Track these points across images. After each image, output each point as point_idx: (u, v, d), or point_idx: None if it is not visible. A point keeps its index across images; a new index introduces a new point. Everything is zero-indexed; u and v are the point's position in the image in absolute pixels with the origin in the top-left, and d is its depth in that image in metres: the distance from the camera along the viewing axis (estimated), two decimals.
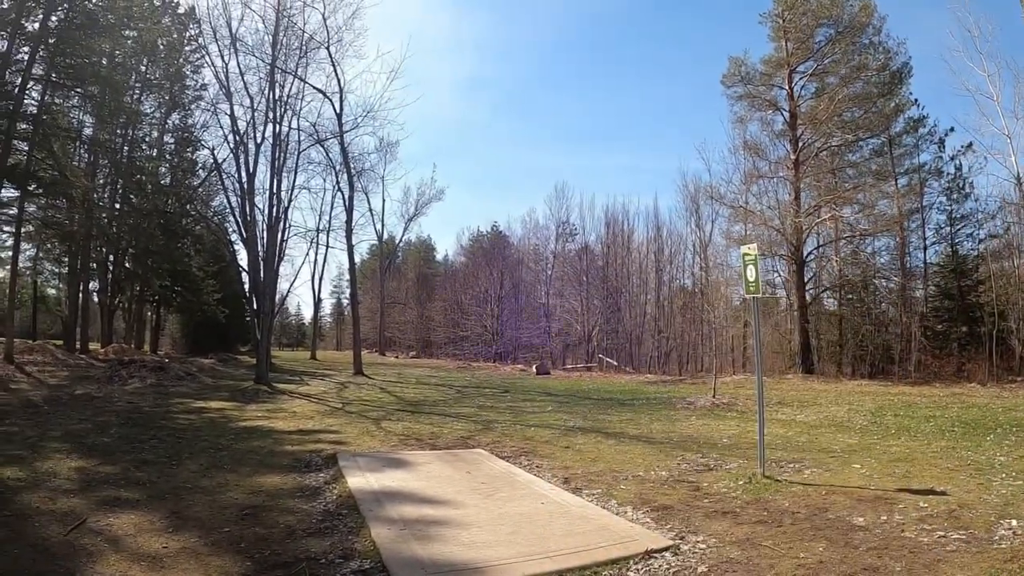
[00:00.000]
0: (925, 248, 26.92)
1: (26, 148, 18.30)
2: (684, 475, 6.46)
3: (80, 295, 26.28)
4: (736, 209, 28.02)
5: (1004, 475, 5.96)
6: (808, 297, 26.05)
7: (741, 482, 5.94)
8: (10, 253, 22.57)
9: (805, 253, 25.85)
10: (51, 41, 17.44)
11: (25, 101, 17.68)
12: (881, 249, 27.69)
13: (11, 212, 21.54)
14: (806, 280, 26.15)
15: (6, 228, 24.41)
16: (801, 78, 26.10)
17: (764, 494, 5.49)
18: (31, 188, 18.93)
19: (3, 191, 18.77)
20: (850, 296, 27.34)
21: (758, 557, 3.89)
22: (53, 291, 36.35)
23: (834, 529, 4.41)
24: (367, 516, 4.61)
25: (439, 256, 70.46)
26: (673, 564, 3.79)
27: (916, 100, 26.89)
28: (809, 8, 25.28)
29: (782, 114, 26.64)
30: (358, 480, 5.75)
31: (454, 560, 3.70)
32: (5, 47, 16.54)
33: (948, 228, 25.61)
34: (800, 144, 25.62)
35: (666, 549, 4.02)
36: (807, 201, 25.96)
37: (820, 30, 25.67)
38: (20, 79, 17.10)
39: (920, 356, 22.70)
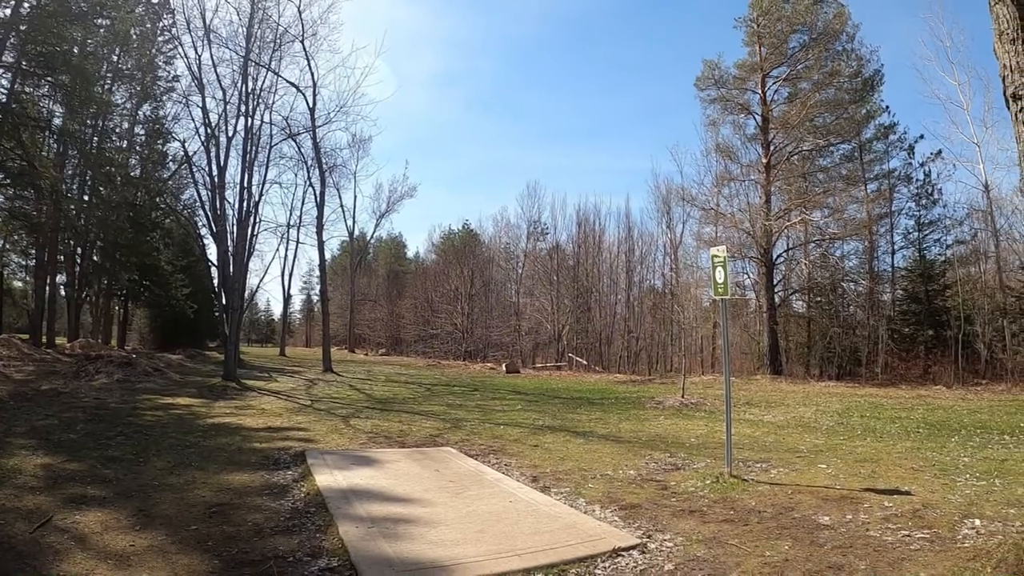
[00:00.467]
0: (893, 252, 27.53)
1: None
2: (652, 474, 6.52)
3: (47, 288, 25.85)
4: (707, 211, 28.32)
5: (968, 476, 6.10)
6: (777, 299, 26.40)
7: (708, 481, 6.01)
8: None
9: (775, 256, 26.19)
10: (22, 28, 17.11)
11: None
12: (850, 253, 28.29)
13: None
14: (775, 282, 26.47)
15: None
16: (774, 83, 26.41)
17: (731, 493, 5.57)
18: None
19: None
20: (819, 299, 27.80)
21: (724, 555, 3.95)
22: (19, 284, 35.60)
23: (800, 528, 4.49)
24: (335, 514, 4.60)
25: (410, 253, 70.27)
26: (640, 562, 3.84)
27: (887, 107, 27.55)
28: (784, 14, 25.59)
29: (754, 118, 26.93)
30: (326, 478, 5.73)
31: (421, 558, 3.71)
32: None
33: (916, 233, 26.16)
34: (772, 148, 25.93)
35: (633, 547, 4.06)
36: (778, 204, 26.29)
37: (794, 36, 26.04)
38: None
39: (887, 358, 23.15)
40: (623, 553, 3.95)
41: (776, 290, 26.55)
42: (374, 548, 3.86)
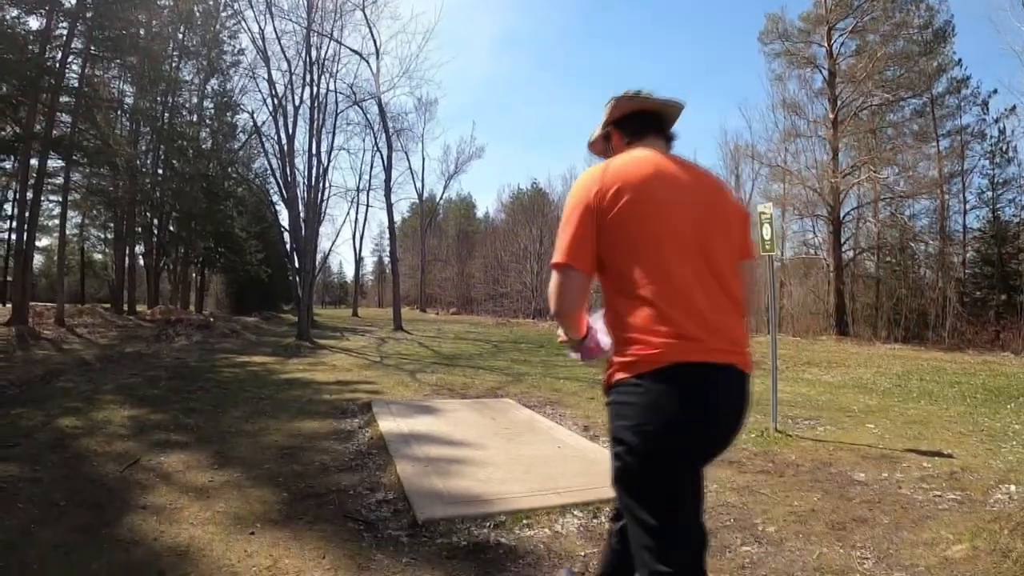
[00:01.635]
0: (965, 213, 26.42)
1: (70, 120, 18.90)
2: None
3: (126, 259, 27.20)
4: (774, 168, 27.73)
5: (1015, 442, 6.06)
6: (845, 259, 25.83)
7: (753, 435, 6.14)
8: (58, 221, 23.48)
9: (842, 214, 25.54)
10: (88, 15, 17.84)
11: (67, 75, 18.19)
12: (920, 212, 27.18)
13: (57, 181, 22.34)
14: (843, 241, 25.88)
15: (53, 197, 25.36)
16: (840, 35, 25.49)
17: (773, 447, 5.71)
18: (76, 158, 19.56)
19: (49, 162, 19.39)
20: (888, 259, 27.01)
21: (753, 503, 4.13)
22: (100, 256, 37.54)
23: (833, 482, 4.62)
24: (394, 455, 4.96)
25: (480, 214, 70.68)
26: None
27: (959, 60, 26.17)
28: None
29: (821, 72, 26.16)
30: (389, 424, 6.10)
31: (468, 493, 4.03)
32: (44, 24, 16.98)
33: (990, 193, 25.16)
34: (839, 103, 25.16)
35: None
36: (845, 161, 25.57)
37: None
38: (60, 54, 17.61)
39: (955, 322, 22.42)
40: None
41: (844, 249, 25.96)
42: (427, 483, 4.21)
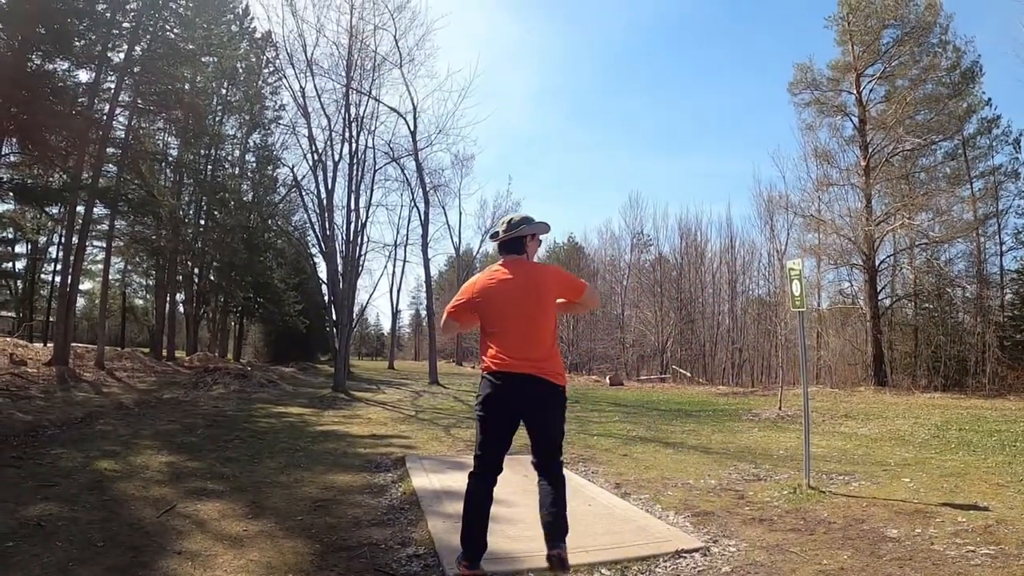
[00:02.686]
0: (1002, 255, 26.02)
1: (115, 170, 19.58)
2: (732, 484, 6.63)
3: (167, 305, 27.86)
4: (807, 218, 27.60)
5: None
6: (881, 307, 25.45)
7: (786, 492, 6.08)
8: (101, 266, 24.24)
9: (878, 262, 25.25)
10: (136, 70, 18.67)
11: (113, 126, 18.96)
12: (956, 256, 26.76)
13: (102, 228, 23.12)
14: (879, 289, 25.54)
15: (97, 243, 26.27)
16: (869, 82, 25.58)
17: (805, 504, 5.63)
18: (121, 207, 20.20)
19: (95, 209, 20.01)
20: (925, 306, 26.55)
21: (782, 562, 4.11)
22: (141, 302, 38.42)
23: (864, 540, 4.55)
24: (426, 511, 5.05)
25: None
26: (700, 564, 4.07)
27: (989, 100, 26.08)
28: (873, 10, 24.77)
29: (851, 120, 26.17)
30: (422, 480, 6.18)
31: (497, 550, 4.09)
32: (93, 78, 17.73)
33: None
34: (870, 150, 25.11)
35: (696, 550, 4.29)
36: (879, 208, 25.36)
37: (886, 32, 25.19)
38: (108, 107, 18.33)
39: (996, 368, 21.87)
40: (685, 555, 4.19)
41: (880, 297, 25.59)
42: (456, 540, 4.25)
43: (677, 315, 39.32)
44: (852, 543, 4.47)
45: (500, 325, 3.54)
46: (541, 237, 3.95)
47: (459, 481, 6.20)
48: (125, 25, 18.17)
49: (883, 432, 10.98)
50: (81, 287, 27.46)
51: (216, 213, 28.23)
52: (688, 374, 33.86)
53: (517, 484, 6.21)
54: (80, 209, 18.41)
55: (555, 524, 3.52)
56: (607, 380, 28.59)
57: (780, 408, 14.32)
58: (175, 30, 20.11)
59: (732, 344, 38.51)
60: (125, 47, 18.53)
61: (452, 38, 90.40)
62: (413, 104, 25.26)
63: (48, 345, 23.58)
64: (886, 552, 4.26)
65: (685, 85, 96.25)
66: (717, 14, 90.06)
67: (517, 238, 3.77)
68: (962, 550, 4.27)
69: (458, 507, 5.17)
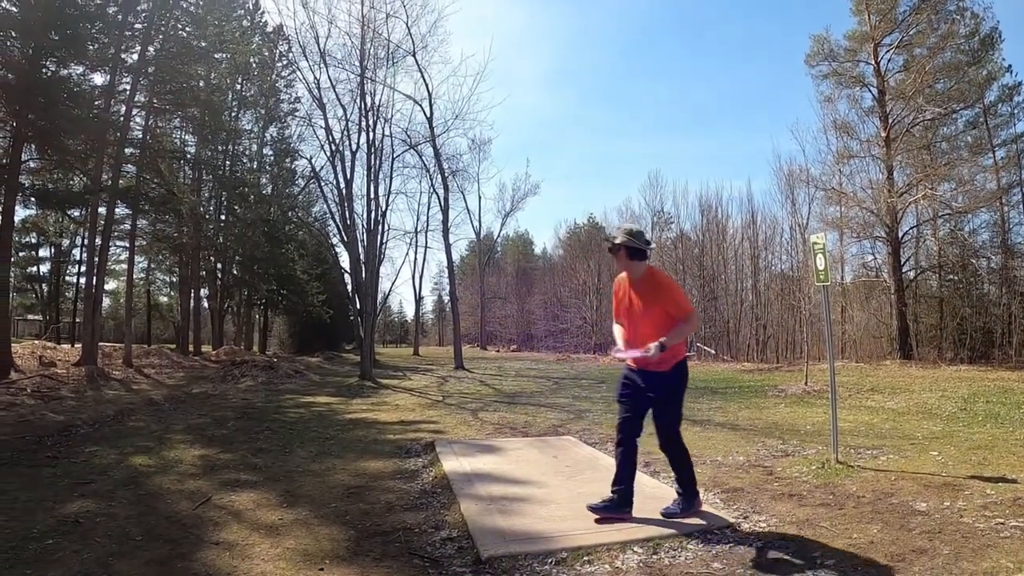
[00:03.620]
0: None
1: (135, 170, 19.80)
2: (761, 460, 6.67)
3: (191, 301, 28.21)
4: (829, 191, 27.29)
5: None
6: (906, 280, 25.17)
7: (814, 467, 6.10)
8: (125, 266, 24.57)
9: (901, 234, 24.93)
10: (150, 70, 18.83)
11: (131, 127, 19.14)
12: (980, 227, 26.25)
13: (124, 228, 23.40)
14: (903, 262, 25.25)
15: (120, 243, 26.66)
16: (887, 51, 25.10)
17: (834, 479, 5.65)
18: (141, 206, 20.43)
19: (116, 209, 20.23)
20: (950, 277, 26.21)
21: (812, 536, 4.13)
22: (165, 299, 39.03)
23: (894, 513, 4.56)
24: (458, 494, 5.12)
25: (537, 250, 71.23)
26: (730, 539, 4.12)
27: (1010, 66, 25.52)
28: None
29: (870, 90, 25.73)
30: (452, 464, 6.26)
31: (530, 530, 4.16)
32: (108, 80, 17.87)
33: None
34: (890, 120, 24.66)
35: (727, 527, 4.33)
36: (901, 179, 24.98)
37: (902, 0, 24.65)
38: (124, 108, 18.54)
39: (1022, 338, 21.62)
40: (716, 531, 4.24)
41: (904, 270, 25.30)
42: (489, 521, 4.35)
43: (700, 292, 39.04)
44: (881, 517, 4.48)
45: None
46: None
47: (489, 464, 6.33)
48: (137, 26, 18.30)
49: (910, 406, 10.93)
50: (106, 287, 27.96)
51: (236, 208, 28.51)
52: (713, 351, 33.70)
53: (547, 465, 6.31)
54: (102, 210, 18.64)
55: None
56: None
57: (806, 383, 14.26)
58: (187, 28, 20.26)
59: (756, 320, 38.18)
60: (138, 48, 18.69)
61: (460, 24, 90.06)
62: (428, 91, 25.27)
63: (76, 346, 23.99)
64: (915, 525, 4.27)
65: (699, 65, 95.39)
66: None
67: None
68: (991, 522, 4.27)
69: (490, 488, 5.28)
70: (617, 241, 4.54)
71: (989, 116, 25.48)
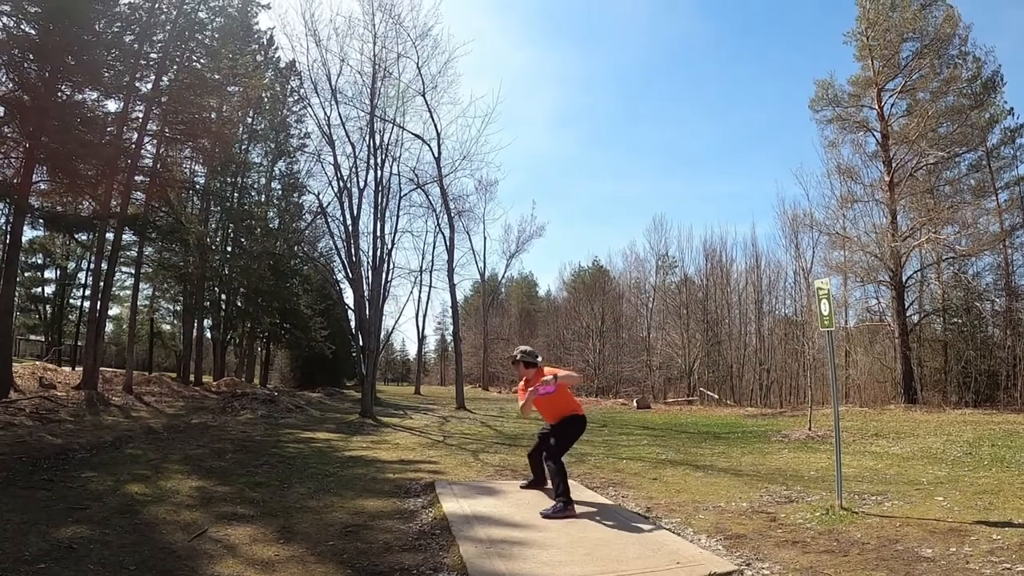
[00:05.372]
0: None
1: (143, 198, 19.93)
2: (764, 506, 6.58)
3: (194, 331, 28.24)
4: (832, 236, 27.37)
5: None
6: (910, 323, 25.10)
7: (818, 513, 6.01)
8: (130, 292, 24.66)
9: (905, 277, 24.94)
10: (163, 100, 19.03)
11: (142, 154, 19.29)
12: (984, 269, 26.33)
13: (131, 254, 23.48)
14: (907, 305, 25.20)
15: (126, 269, 26.80)
16: (890, 96, 25.40)
17: (838, 525, 5.57)
18: (149, 234, 20.52)
19: (123, 236, 20.32)
20: (954, 320, 26.15)
21: None
22: (168, 327, 39.03)
23: (899, 560, 4.49)
24: (457, 535, 5.05)
25: (541, 292, 71.47)
26: None
27: (1011, 109, 25.88)
28: (892, 23, 24.62)
29: (873, 135, 25.97)
30: (452, 505, 6.19)
31: (530, 575, 4.10)
32: (122, 107, 18.07)
33: None
34: (894, 165, 24.84)
35: (730, 573, 4.26)
36: (904, 223, 25.07)
37: (905, 45, 25.00)
38: (136, 135, 18.70)
39: None
40: None
41: (908, 314, 25.24)
42: (488, 565, 4.28)
43: (703, 336, 38.97)
44: (886, 564, 4.41)
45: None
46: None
47: (489, 506, 6.26)
48: (153, 56, 18.57)
49: (915, 450, 10.84)
50: (110, 312, 28.03)
51: (243, 240, 28.69)
52: (716, 396, 33.48)
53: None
54: (109, 236, 18.73)
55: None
56: (634, 403, 28.33)
57: (810, 428, 14.15)
58: (201, 60, 20.53)
59: (759, 365, 38.01)
60: (153, 77, 18.93)
61: (469, 66, 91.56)
62: (437, 131, 25.45)
63: (76, 369, 23.99)
64: (921, 572, 4.21)
65: (703, 109, 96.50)
66: (732, 35, 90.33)
67: (532, 355, 6.87)
68: (998, 568, 4.21)
69: (490, 531, 5.22)
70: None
71: (992, 159, 25.72)
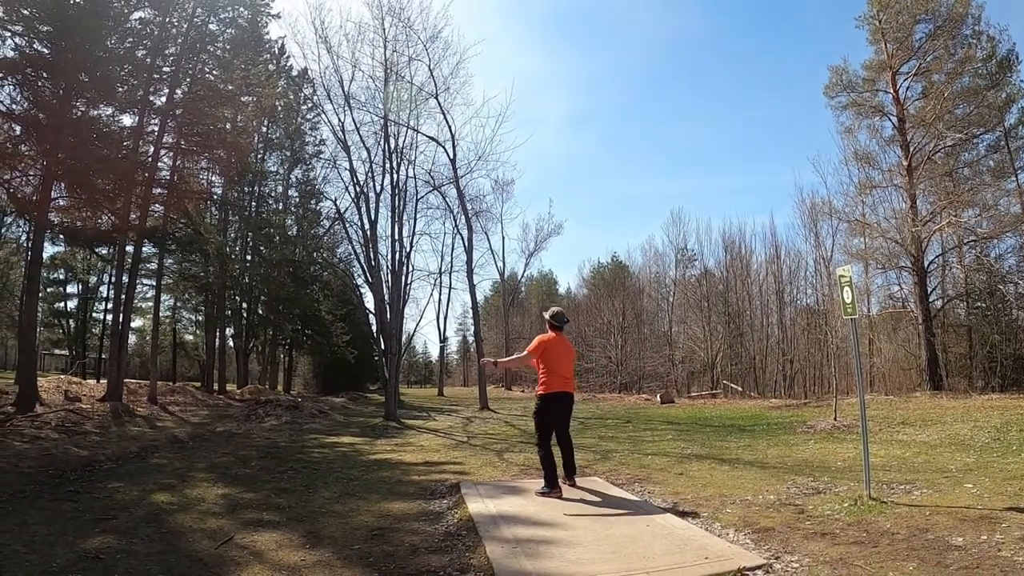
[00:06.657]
0: None
1: (162, 210, 20.12)
2: (791, 498, 6.53)
3: (217, 340, 28.47)
4: (852, 223, 27.05)
5: None
6: (933, 309, 24.77)
7: (846, 504, 5.96)
8: (151, 303, 24.91)
9: (926, 263, 24.60)
10: (178, 112, 19.20)
11: (158, 167, 19.45)
12: (1006, 252, 25.80)
13: (151, 267, 23.71)
14: (930, 291, 24.87)
15: (147, 281, 27.10)
16: (905, 79, 24.99)
17: (867, 515, 5.52)
18: (168, 246, 20.71)
19: (143, 248, 20.51)
20: (978, 304, 25.76)
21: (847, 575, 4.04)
22: (191, 337, 39.49)
23: (930, 549, 4.44)
24: (483, 536, 5.06)
25: (562, 289, 71.15)
26: None
27: None
28: (904, 5, 24.21)
29: (890, 119, 25.57)
30: (477, 505, 6.20)
31: (558, 574, 4.10)
32: (137, 121, 18.22)
33: None
34: (911, 148, 24.48)
35: (759, 567, 4.24)
36: (924, 208, 24.71)
37: (918, 27, 24.47)
38: (152, 149, 18.86)
39: None
40: (748, 573, 4.15)
41: (932, 299, 24.89)
42: (516, 565, 4.29)
43: (725, 329, 38.67)
44: (917, 554, 4.36)
45: (556, 363, 6.99)
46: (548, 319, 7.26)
47: (515, 506, 6.26)
48: (165, 69, 18.73)
49: (942, 438, 10.71)
50: (132, 324, 28.31)
51: (262, 248, 28.94)
52: (739, 388, 33.20)
53: (574, 508, 6.23)
54: (129, 249, 18.91)
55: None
56: (658, 398, 28.17)
57: (835, 418, 14.01)
58: (214, 72, 20.68)
59: (782, 356, 37.65)
60: (167, 90, 19.10)
61: (481, 66, 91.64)
62: (451, 132, 25.39)
63: (101, 381, 24.27)
64: (952, 561, 4.15)
65: (717, 102, 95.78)
66: (744, 28, 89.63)
67: (563, 317, 7.27)
68: None
69: (516, 531, 5.22)
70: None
71: (1010, 139, 25.16)
